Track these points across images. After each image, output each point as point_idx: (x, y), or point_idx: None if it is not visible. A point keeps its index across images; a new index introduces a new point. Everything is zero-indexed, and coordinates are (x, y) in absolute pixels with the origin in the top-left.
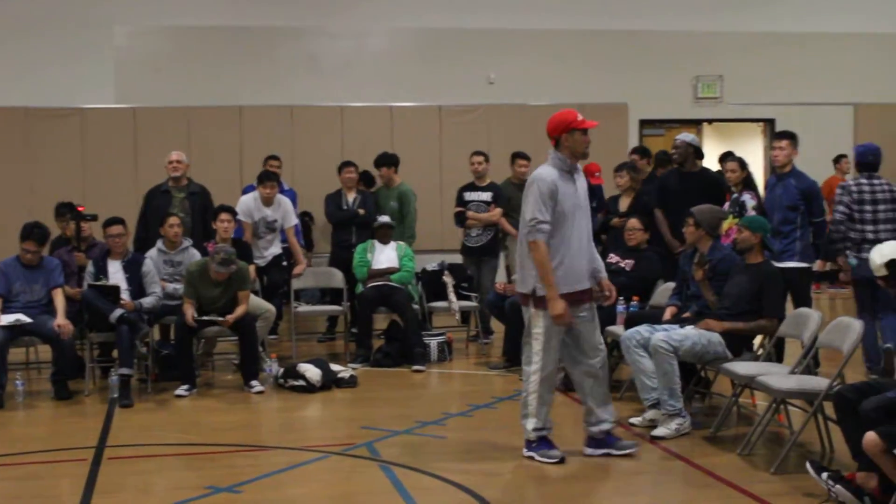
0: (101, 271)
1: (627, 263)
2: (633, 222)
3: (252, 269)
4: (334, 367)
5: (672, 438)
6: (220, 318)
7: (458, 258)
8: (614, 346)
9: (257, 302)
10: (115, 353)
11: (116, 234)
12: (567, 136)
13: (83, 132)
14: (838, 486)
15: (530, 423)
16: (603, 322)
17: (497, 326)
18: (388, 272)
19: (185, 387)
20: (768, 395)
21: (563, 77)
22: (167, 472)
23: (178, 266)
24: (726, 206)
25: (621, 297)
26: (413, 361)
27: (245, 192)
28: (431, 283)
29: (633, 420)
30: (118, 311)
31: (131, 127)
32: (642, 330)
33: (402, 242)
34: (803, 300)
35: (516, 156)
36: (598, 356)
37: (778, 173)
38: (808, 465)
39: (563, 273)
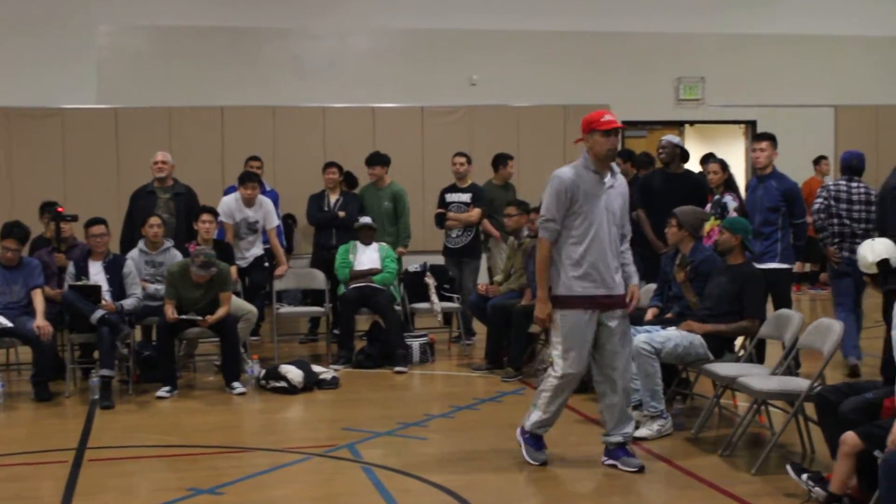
0: (82, 272)
1: None
2: None
3: (233, 270)
4: (316, 368)
5: (654, 440)
6: (200, 318)
7: (440, 259)
8: None
9: (239, 303)
10: (96, 355)
11: (98, 234)
12: (589, 136)
13: (65, 133)
14: (818, 487)
15: (534, 415)
16: None
17: (479, 328)
18: (370, 273)
19: (167, 388)
20: (749, 396)
21: (545, 78)
22: (148, 473)
23: (159, 267)
24: (708, 207)
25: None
26: (395, 363)
27: (227, 192)
28: (413, 285)
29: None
30: (99, 312)
31: (113, 127)
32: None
33: (384, 243)
34: (784, 301)
35: (503, 157)
36: (618, 370)
37: (759, 175)
38: (788, 467)
39: (579, 274)
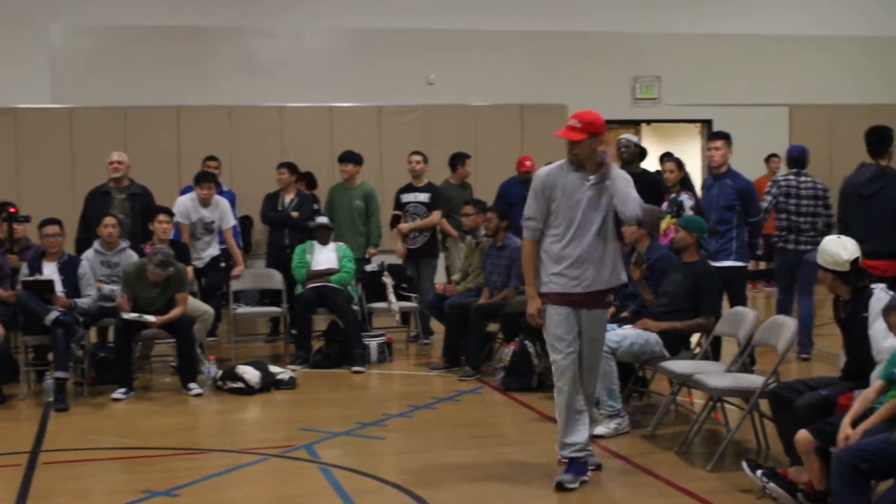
0: (36, 273)
1: None
2: None
3: (189, 270)
4: (273, 368)
5: (611, 437)
6: (150, 318)
7: (397, 259)
8: None
9: (195, 304)
10: (50, 357)
11: (52, 234)
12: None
13: (17, 132)
14: (772, 483)
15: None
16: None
17: (437, 327)
18: (327, 273)
19: (122, 390)
20: (705, 393)
21: (502, 78)
22: (103, 476)
23: (115, 267)
24: (664, 205)
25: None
26: (353, 362)
27: (183, 193)
28: (371, 284)
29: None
30: (54, 314)
31: (67, 127)
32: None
33: (341, 243)
34: (739, 299)
35: (460, 156)
36: (591, 375)
37: (714, 173)
38: (743, 463)
39: (557, 271)
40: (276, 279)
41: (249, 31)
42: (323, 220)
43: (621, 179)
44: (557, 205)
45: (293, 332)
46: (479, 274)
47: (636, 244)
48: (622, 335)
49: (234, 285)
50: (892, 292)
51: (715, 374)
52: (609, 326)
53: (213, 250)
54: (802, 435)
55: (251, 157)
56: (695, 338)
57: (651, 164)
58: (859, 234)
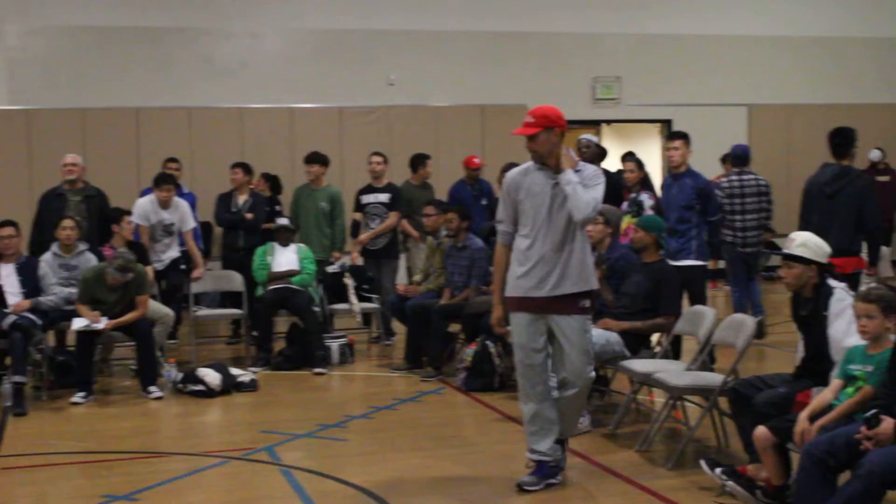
0: None
1: None
2: None
3: (150, 270)
4: (234, 371)
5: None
6: (99, 326)
7: (358, 260)
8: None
9: (155, 306)
10: (7, 361)
11: (7, 235)
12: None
13: None
14: (731, 481)
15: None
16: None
17: (399, 328)
18: (288, 275)
19: (82, 394)
20: (665, 391)
21: (462, 78)
22: (62, 481)
23: (73, 270)
24: (624, 205)
25: None
26: (314, 364)
27: (142, 195)
28: (332, 286)
29: None
30: (10, 318)
31: (25, 129)
32: None
33: (302, 245)
34: (699, 298)
35: (421, 157)
36: (568, 388)
37: (673, 173)
38: (702, 462)
39: (521, 273)
40: (236, 281)
41: (209, 32)
42: (284, 221)
43: (570, 182)
44: (523, 205)
45: (254, 334)
46: (440, 275)
47: (597, 244)
48: None
49: (195, 287)
50: (852, 292)
51: (675, 373)
52: None
53: (174, 252)
54: (761, 431)
55: (211, 159)
56: (655, 337)
57: (612, 163)
58: (822, 231)
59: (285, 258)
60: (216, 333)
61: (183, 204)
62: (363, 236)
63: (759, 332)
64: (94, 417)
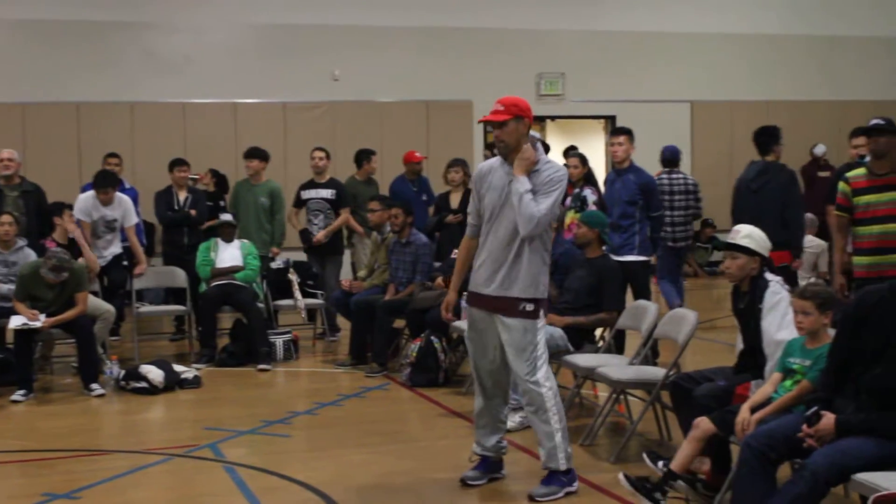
0: None
1: None
2: None
3: (94, 261)
4: (177, 367)
5: (516, 431)
6: (37, 324)
7: (302, 256)
8: (459, 341)
9: (96, 303)
10: None
11: None
12: None
13: None
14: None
15: (563, 453)
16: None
17: (343, 324)
18: (232, 271)
19: (22, 392)
20: (609, 386)
21: (407, 74)
22: (1, 480)
23: (12, 266)
24: (568, 200)
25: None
26: (258, 360)
27: (84, 190)
28: (276, 281)
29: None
30: None
31: None
32: None
33: (245, 240)
34: (643, 293)
35: (366, 153)
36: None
37: (617, 169)
38: (644, 455)
39: (475, 267)
40: (179, 277)
41: (152, 26)
42: (227, 217)
43: (517, 192)
44: (484, 200)
45: (199, 329)
46: (384, 270)
47: None
48: None
49: (137, 284)
50: (787, 286)
51: (618, 367)
52: None
53: (116, 248)
54: (703, 422)
55: (154, 154)
56: (598, 331)
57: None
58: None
59: (229, 254)
60: (159, 330)
61: (125, 199)
62: (320, 234)
63: None
64: (34, 415)
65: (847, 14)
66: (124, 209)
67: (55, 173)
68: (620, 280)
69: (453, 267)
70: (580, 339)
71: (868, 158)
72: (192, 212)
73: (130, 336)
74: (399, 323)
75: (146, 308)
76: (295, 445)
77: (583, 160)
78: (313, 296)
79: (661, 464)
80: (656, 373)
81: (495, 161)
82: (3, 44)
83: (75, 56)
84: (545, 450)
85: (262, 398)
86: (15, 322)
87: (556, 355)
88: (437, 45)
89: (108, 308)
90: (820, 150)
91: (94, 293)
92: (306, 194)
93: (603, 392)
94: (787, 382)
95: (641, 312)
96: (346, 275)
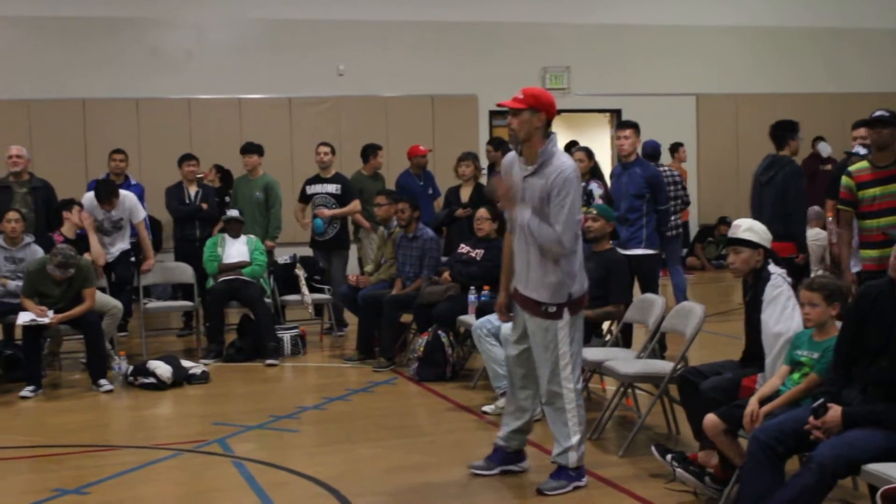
0: None
1: (478, 253)
2: (482, 212)
3: (101, 255)
4: (185, 363)
5: (495, 414)
6: (45, 320)
7: (309, 251)
8: (466, 335)
9: (103, 298)
10: None
11: None
12: None
13: None
14: (681, 469)
15: (577, 453)
16: (454, 312)
17: (350, 318)
18: (239, 266)
19: (31, 388)
20: (616, 379)
21: (413, 68)
22: (12, 476)
23: (20, 263)
24: None
25: (472, 287)
26: (266, 355)
27: (90, 187)
28: (283, 277)
29: (486, 408)
30: None
31: None
32: (493, 319)
33: (252, 236)
34: (651, 286)
35: (372, 147)
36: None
37: (623, 162)
38: (653, 448)
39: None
40: (186, 273)
41: (156, 22)
42: (234, 213)
43: (524, 225)
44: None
45: (206, 325)
46: (392, 265)
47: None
48: None
49: (145, 279)
50: (789, 279)
51: (625, 361)
52: None
53: (123, 244)
54: (710, 419)
55: (159, 150)
56: (606, 325)
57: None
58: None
59: (236, 249)
60: (167, 325)
61: (130, 197)
62: (326, 211)
63: None
64: (43, 411)
65: (852, 6)
66: (130, 207)
67: (61, 170)
68: (628, 273)
69: (459, 261)
70: (587, 332)
71: (860, 149)
72: (204, 205)
73: (138, 332)
74: (406, 317)
75: (154, 304)
76: (303, 440)
77: (589, 154)
78: (320, 291)
79: (669, 457)
80: (664, 366)
81: (513, 155)
82: (8, 40)
83: (80, 52)
84: (559, 446)
85: (270, 393)
86: (23, 318)
87: None
88: (443, 40)
89: (115, 304)
90: (825, 150)
91: (102, 289)
92: (312, 189)
93: (611, 386)
94: (796, 375)
95: (648, 306)
96: (352, 270)
